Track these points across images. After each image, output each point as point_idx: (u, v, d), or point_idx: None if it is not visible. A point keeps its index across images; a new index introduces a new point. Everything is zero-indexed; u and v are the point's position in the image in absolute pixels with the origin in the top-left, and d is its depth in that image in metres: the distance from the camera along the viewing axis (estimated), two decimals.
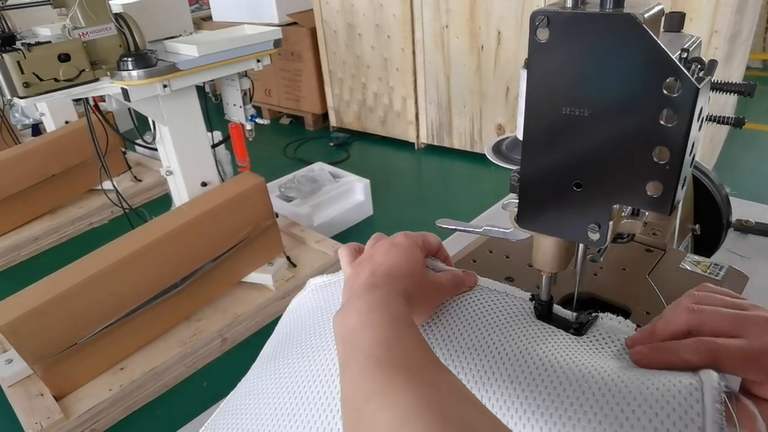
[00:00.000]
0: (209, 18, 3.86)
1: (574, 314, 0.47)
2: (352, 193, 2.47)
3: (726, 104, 2.54)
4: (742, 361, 0.36)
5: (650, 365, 0.39)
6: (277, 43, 1.72)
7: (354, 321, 0.39)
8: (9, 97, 1.40)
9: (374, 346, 0.35)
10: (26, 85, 1.38)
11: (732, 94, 0.47)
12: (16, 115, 3.10)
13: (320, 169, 2.55)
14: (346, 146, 3.36)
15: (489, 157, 0.57)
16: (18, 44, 1.40)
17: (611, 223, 0.39)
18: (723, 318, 0.38)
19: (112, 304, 1.55)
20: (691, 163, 0.39)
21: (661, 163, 0.35)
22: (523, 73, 0.40)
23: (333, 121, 3.56)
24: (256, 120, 1.86)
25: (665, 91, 0.33)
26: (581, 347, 0.44)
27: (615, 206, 0.39)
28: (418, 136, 3.20)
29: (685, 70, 0.32)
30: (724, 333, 0.38)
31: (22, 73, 1.37)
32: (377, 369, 0.33)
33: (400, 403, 0.31)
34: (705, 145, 2.28)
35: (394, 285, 0.43)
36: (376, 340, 0.36)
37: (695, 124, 0.34)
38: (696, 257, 0.59)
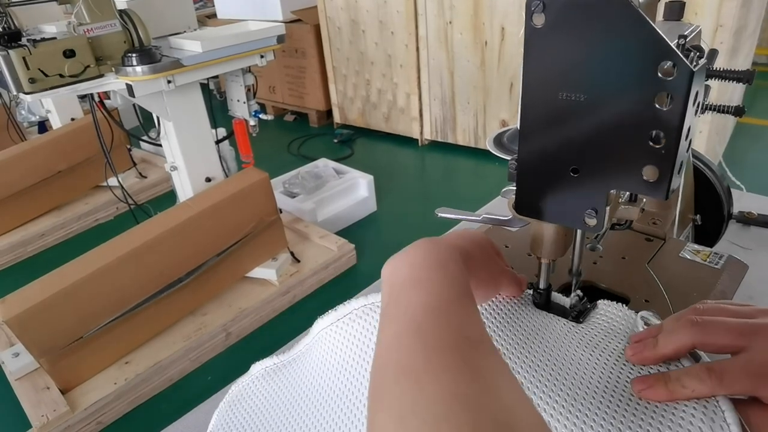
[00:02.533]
0: (214, 15, 3.87)
1: (572, 298, 0.47)
2: (355, 189, 2.47)
3: (731, 99, 2.52)
4: (750, 380, 0.34)
5: (656, 399, 0.36)
6: (280, 39, 1.72)
7: (405, 273, 0.35)
8: (15, 93, 1.41)
9: (420, 310, 0.32)
10: (32, 80, 1.39)
11: (732, 81, 0.48)
12: (23, 112, 3.13)
13: (324, 165, 2.55)
14: (350, 143, 3.36)
15: (490, 149, 0.57)
16: (23, 40, 1.41)
17: (608, 208, 0.40)
18: (728, 329, 0.36)
19: (117, 298, 1.56)
20: (688, 148, 0.39)
21: (657, 147, 0.35)
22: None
23: (337, 118, 3.56)
24: (260, 116, 1.86)
25: (660, 75, 0.33)
26: (583, 343, 0.43)
27: (612, 191, 0.39)
28: (421, 133, 3.20)
29: (679, 53, 0.32)
30: (730, 345, 0.36)
31: (28, 69, 1.38)
32: (416, 341, 0.30)
33: (432, 393, 0.27)
34: (711, 139, 2.27)
35: (455, 246, 0.39)
36: (424, 304, 0.32)
37: (690, 109, 0.35)
38: (696, 246, 0.59)
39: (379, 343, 0.32)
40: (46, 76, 1.41)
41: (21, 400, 1.52)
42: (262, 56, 1.72)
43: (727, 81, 0.49)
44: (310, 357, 0.52)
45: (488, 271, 0.43)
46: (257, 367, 0.55)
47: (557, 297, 0.49)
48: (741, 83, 0.46)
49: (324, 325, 0.51)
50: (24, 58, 1.36)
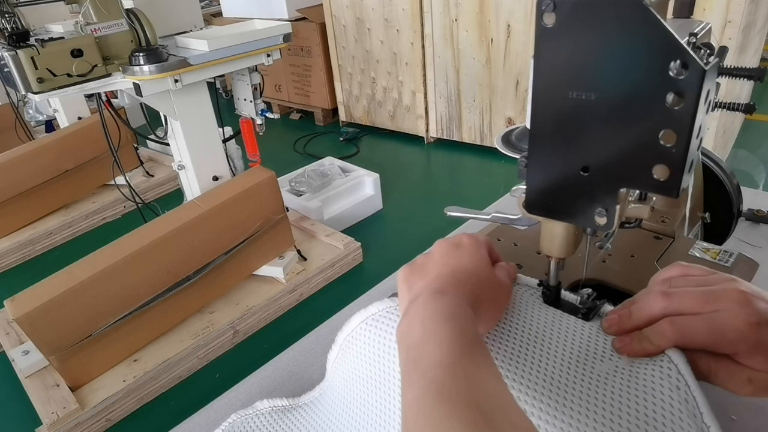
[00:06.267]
0: (219, 14, 3.88)
1: (580, 297, 0.47)
2: (361, 188, 2.47)
3: (740, 96, 2.51)
4: (707, 337, 0.37)
5: (631, 354, 0.41)
6: (286, 38, 1.72)
7: (418, 332, 0.37)
8: (23, 93, 1.42)
9: (437, 367, 0.34)
10: (40, 80, 1.40)
11: (743, 79, 0.47)
12: (30, 111, 3.14)
13: (330, 163, 2.56)
14: (356, 141, 3.37)
15: (498, 147, 0.57)
16: (32, 40, 1.42)
17: (618, 207, 0.40)
18: (694, 298, 0.39)
19: (125, 296, 1.57)
20: (698, 147, 0.39)
21: (668, 146, 0.35)
22: (533, 63, 0.40)
23: (343, 116, 3.57)
24: (267, 114, 1.87)
25: (672, 74, 0.33)
26: (593, 341, 0.44)
27: (622, 190, 0.39)
28: (427, 130, 3.20)
29: (691, 52, 0.32)
30: (698, 313, 0.38)
31: (36, 68, 1.39)
32: (436, 400, 0.32)
33: None
34: (718, 136, 2.25)
35: (461, 290, 0.41)
36: (439, 361, 0.34)
37: (702, 108, 0.34)
38: (705, 244, 0.59)
39: (403, 401, 0.35)
40: (54, 75, 1.42)
41: (31, 398, 1.53)
42: (268, 55, 1.72)
43: (736, 78, 0.48)
44: (327, 397, 0.51)
45: (494, 303, 0.45)
46: (264, 404, 0.55)
47: (566, 294, 0.49)
48: (751, 81, 0.46)
49: (332, 358, 0.51)
50: (32, 58, 1.37)
